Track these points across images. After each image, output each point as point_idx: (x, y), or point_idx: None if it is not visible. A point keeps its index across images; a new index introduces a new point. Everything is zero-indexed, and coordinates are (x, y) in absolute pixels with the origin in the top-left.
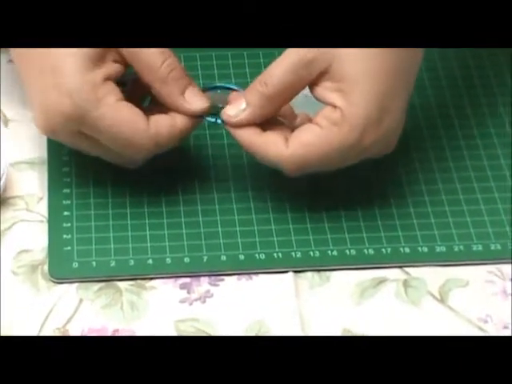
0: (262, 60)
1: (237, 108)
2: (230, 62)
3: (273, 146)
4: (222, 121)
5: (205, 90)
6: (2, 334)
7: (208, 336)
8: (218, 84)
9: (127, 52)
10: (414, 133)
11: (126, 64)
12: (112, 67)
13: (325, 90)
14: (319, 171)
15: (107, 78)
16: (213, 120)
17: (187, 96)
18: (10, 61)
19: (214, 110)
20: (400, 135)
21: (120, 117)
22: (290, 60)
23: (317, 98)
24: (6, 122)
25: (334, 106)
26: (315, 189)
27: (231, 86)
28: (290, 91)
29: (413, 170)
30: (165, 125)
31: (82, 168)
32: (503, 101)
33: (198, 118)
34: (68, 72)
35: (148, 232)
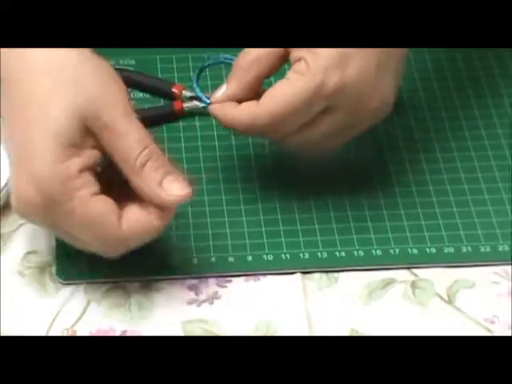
0: None
1: (220, 90)
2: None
3: (246, 108)
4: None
5: (209, 65)
6: (10, 335)
7: (215, 336)
8: (223, 58)
9: (106, 141)
10: (422, 134)
11: (104, 151)
12: (90, 155)
13: (295, 51)
14: (306, 137)
15: (84, 169)
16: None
17: (165, 185)
18: None
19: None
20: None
21: (90, 213)
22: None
23: (292, 65)
24: None
25: (299, 59)
26: (323, 190)
27: (231, 58)
28: (265, 67)
29: (420, 171)
30: (139, 224)
31: None
32: (510, 101)
33: (174, 209)
34: (41, 159)
35: None
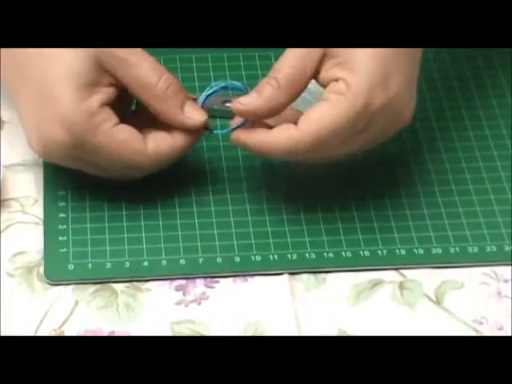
0: (257, 62)
1: (248, 98)
2: (226, 63)
3: (282, 133)
4: (221, 131)
5: (207, 95)
6: None
7: (203, 336)
8: (225, 84)
9: (122, 73)
10: (410, 135)
11: (120, 86)
12: (107, 91)
13: (327, 70)
14: (337, 153)
15: (103, 104)
16: (214, 131)
17: (186, 111)
18: None
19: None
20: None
21: (118, 142)
22: (292, 53)
23: (323, 84)
24: (2, 124)
25: (336, 79)
26: (311, 191)
27: (239, 85)
28: (299, 83)
29: (408, 173)
30: (164, 144)
31: (77, 170)
32: (499, 103)
33: (196, 132)
34: (63, 101)
35: (144, 234)
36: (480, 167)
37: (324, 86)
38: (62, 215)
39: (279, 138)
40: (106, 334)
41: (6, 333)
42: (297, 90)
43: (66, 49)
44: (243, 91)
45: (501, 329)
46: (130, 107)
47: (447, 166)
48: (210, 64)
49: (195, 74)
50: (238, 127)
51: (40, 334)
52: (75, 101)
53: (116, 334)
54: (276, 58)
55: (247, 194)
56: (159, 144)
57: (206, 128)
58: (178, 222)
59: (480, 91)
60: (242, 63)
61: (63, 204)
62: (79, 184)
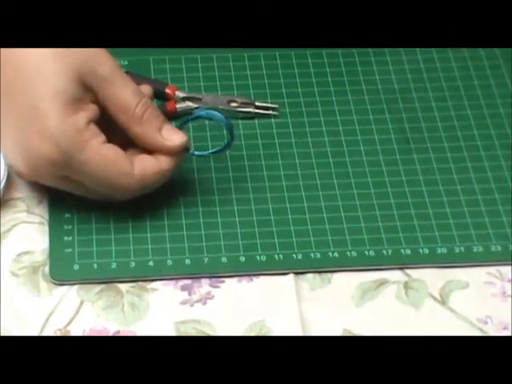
0: (262, 62)
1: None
2: (231, 63)
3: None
4: (207, 154)
5: (184, 121)
6: (4, 335)
7: (208, 336)
8: (198, 113)
9: (102, 92)
10: (415, 135)
11: (101, 106)
12: (92, 108)
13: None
14: None
15: (89, 121)
16: (196, 153)
17: (164, 133)
18: None
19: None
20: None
21: (105, 160)
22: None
23: None
24: None
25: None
26: (316, 191)
27: (212, 115)
28: None
29: (413, 172)
30: (150, 166)
31: None
32: (503, 102)
33: (179, 154)
34: (51, 117)
35: (149, 234)
36: (485, 166)
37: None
38: (67, 215)
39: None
40: (111, 333)
41: (11, 333)
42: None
43: (49, 67)
44: (221, 121)
45: (506, 328)
46: (113, 128)
47: (452, 165)
48: (215, 64)
49: (200, 74)
50: (219, 150)
51: (45, 333)
52: (62, 116)
53: (121, 334)
54: (281, 58)
55: (252, 194)
56: (145, 167)
57: (186, 149)
58: (184, 221)
59: (471, 91)
60: (247, 63)
61: (68, 204)
62: None
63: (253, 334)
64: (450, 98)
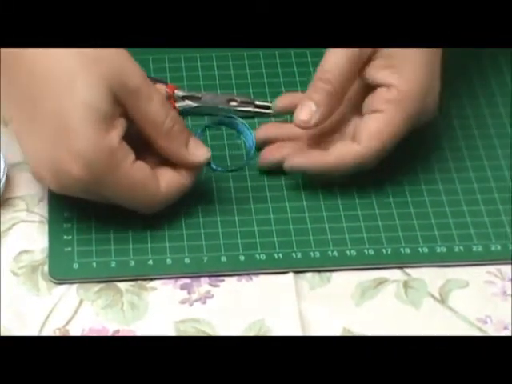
0: (262, 61)
1: (309, 112)
2: (231, 63)
3: (346, 152)
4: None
5: (208, 127)
6: (3, 335)
7: (208, 336)
8: (222, 119)
9: (132, 105)
10: (413, 134)
11: (128, 118)
12: (122, 124)
13: (375, 68)
14: None
15: (121, 138)
16: (215, 168)
17: (190, 148)
18: None
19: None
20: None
21: (134, 182)
22: (343, 50)
23: (366, 80)
24: (6, 122)
25: (387, 86)
26: (316, 190)
27: (236, 121)
28: (349, 82)
29: (412, 171)
30: (174, 184)
31: None
32: (503, 101)
33: (199, 168)
34: (83, 137)
35: (148, 233)
36: (485, 166)
37: (368, 81)
38: (66, 214)
39: (345, 157)
40: (110, 332)
41: (10, 332)
42: (346, 93)
43: (80, 79)
44: (239, 130)
45: (505, 328)
46: (136, 137)
47: (451, 164)
48: (215, 63)
49: (200, 73)
50: (240, 168)
51: (44, 333)
52: (95, 137)
53: (121, 333)
54: (281, 57)
55: (251, 192)
56: (169, 185)
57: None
58: (183, 220)
59: (471, 90)
60: (246, 62)
61: (68, 203)
62: None
63: (252, 333)
64: (449, 96)
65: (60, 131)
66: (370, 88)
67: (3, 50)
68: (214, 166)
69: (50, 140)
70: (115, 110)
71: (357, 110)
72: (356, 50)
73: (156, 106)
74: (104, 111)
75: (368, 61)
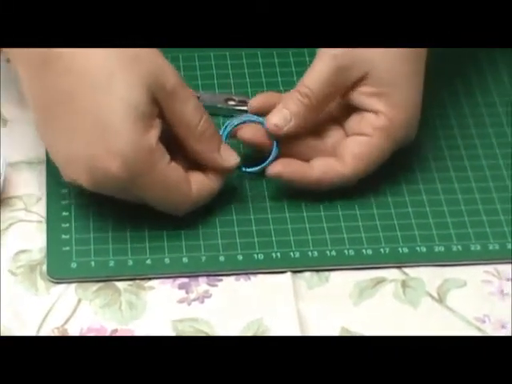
0: (260, 60)
1: (283, 118)
2: (229, 62)
3: (329, 169)
4: (246, 170)
5: (231, 128)
6: (1, 334)
7: (206, 336)
8: (243, 118)
9: (167, 107)
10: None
11: (164, 120)
12: (158, 124)
13: (362, 95)
14: None
15: (158, 139)
16: (249, 170)
17: (222, 153)
18: (8, 60)
19: None
20: None
21: (169, 182)
22: (327, 69)
23: (352, 103)
24: (5, 121)
25: (375, 112)
26: (314, 189)
27: (254, 119)
28: (328, 100)
29: (411, 169)
30: (205, 187)
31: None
32: (501, 100)
33: (227, 172)
34: (122, 133)
35: (147, 232)
36: (483, 165)
37: (353, 105)
38: (64, 213)
39: (327, 175)
40: (108, 332)
41: (8, 332)
42: (325, 108)
43: (119, 78)
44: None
45: (503, 327)
46: (169, 139)
47: (449, 163)
48: (213, 62)
49: (198, 73)
50: (267, 164)
51: (42, 332)
52: (135, 135)
53: (119, 332)
54: (279, 57)
55: (250, 191)
56: (200, 188)
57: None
58: (181, 220)
59: (468, 89)
60: (244, 61)
61: (66, 202)
62: None
63: (250, 332)
64: (448, 95)
65: (97, 129)
66: (353, 107)
67: (34, 49)
68: (243, 169)
69: (85, 138)
70: (153, 110)
71: (337, 121)
72: (341, 73)
73: (191, 108)
74: (143, 110)
75: (353, 86)
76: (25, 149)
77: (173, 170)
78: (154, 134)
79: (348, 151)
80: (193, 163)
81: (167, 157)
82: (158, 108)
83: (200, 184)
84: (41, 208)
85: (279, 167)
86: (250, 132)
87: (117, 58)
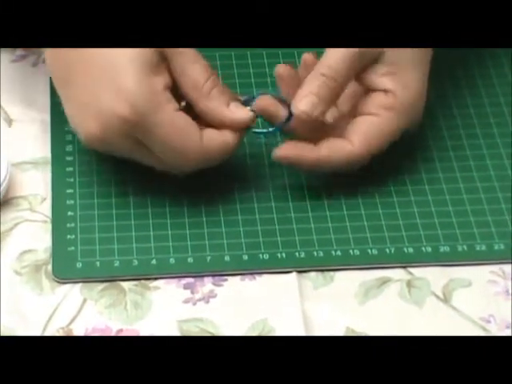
0: (265, 60)
1: (310, 102)
2: (234, 62)
3: (339, 149)
4: (267, 132)
5: (248, 99)
6: (6, 334)
7: (211, 336)
8: (260, 92)
9: (175, 65)
10: (416, 133)
11: (173, 78)
12: (167, 77)
13: (376, 74)
14: None
15: (165, 87)
16: (263, 131)
17: (232, 108)
18: (13, 61)
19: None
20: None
21: (176, 126)
22: (347, 51)
23: (364, 83)
24: (10, 121)
25: (385, 91)
26: (318, 189)
27: (274, 94)
28: (347, 81)
29: (416, 170)
30: (217, 140)
31: (85, 168)
32: (506, 100)
33: (244, 131)
34: (128, 75)
35: (152, 232)
36: (488, 165)
37: (365, 85)
38: (70, 213)
39: (338, 152)
40: (113, 332)
41: (13, 331)
42: (342, 91)
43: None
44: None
45: (508, 327)
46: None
47: (454, 163)
48: (218, 62)
49: None
50: (280, 126)
51: (48, 332)
52: (140, 76)
53: (124, 333)
54: (284, 57)
55: (255, 192)
56: (212, 138)
57: (246, 129)
58: (186, 220)
59: (473, 90)
60: (249, 61)
61: (71, 202)
62: (87, 182)
63: (255, 332)
64: (453, 96)
65: (104, 75)
66: (363, 93)
67: None
68: (254, 130)
69: (94, 84)
70: (160, 63)
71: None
72: (358, 51)
73: (197, 66)
74: (149, 59)
75: (368, 65)
76: (30, 149)
77: (180, 116)
78: (159, 80)
79: (356, 130)
80: (208, 125)
81: (175, 104)
82: (166, 63)
83: (211, 135)
84: (46, 208)
85: (286, 149)
86: (264, 102)
87: None
